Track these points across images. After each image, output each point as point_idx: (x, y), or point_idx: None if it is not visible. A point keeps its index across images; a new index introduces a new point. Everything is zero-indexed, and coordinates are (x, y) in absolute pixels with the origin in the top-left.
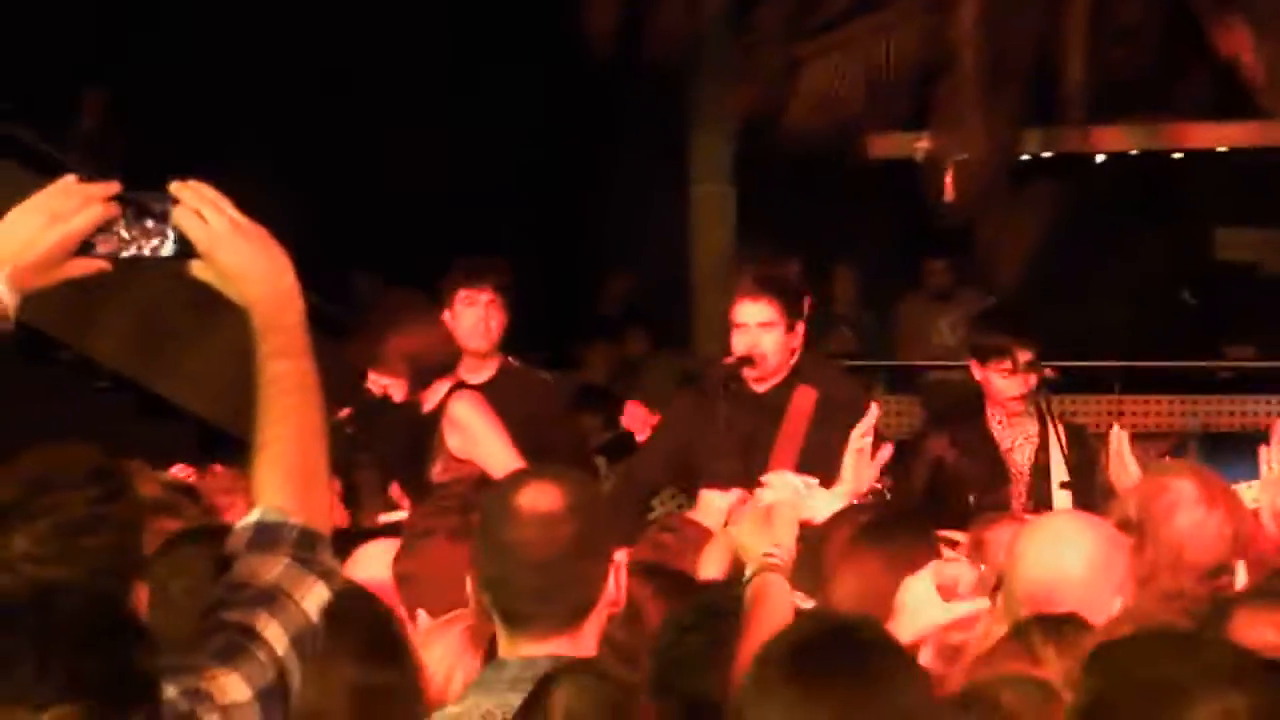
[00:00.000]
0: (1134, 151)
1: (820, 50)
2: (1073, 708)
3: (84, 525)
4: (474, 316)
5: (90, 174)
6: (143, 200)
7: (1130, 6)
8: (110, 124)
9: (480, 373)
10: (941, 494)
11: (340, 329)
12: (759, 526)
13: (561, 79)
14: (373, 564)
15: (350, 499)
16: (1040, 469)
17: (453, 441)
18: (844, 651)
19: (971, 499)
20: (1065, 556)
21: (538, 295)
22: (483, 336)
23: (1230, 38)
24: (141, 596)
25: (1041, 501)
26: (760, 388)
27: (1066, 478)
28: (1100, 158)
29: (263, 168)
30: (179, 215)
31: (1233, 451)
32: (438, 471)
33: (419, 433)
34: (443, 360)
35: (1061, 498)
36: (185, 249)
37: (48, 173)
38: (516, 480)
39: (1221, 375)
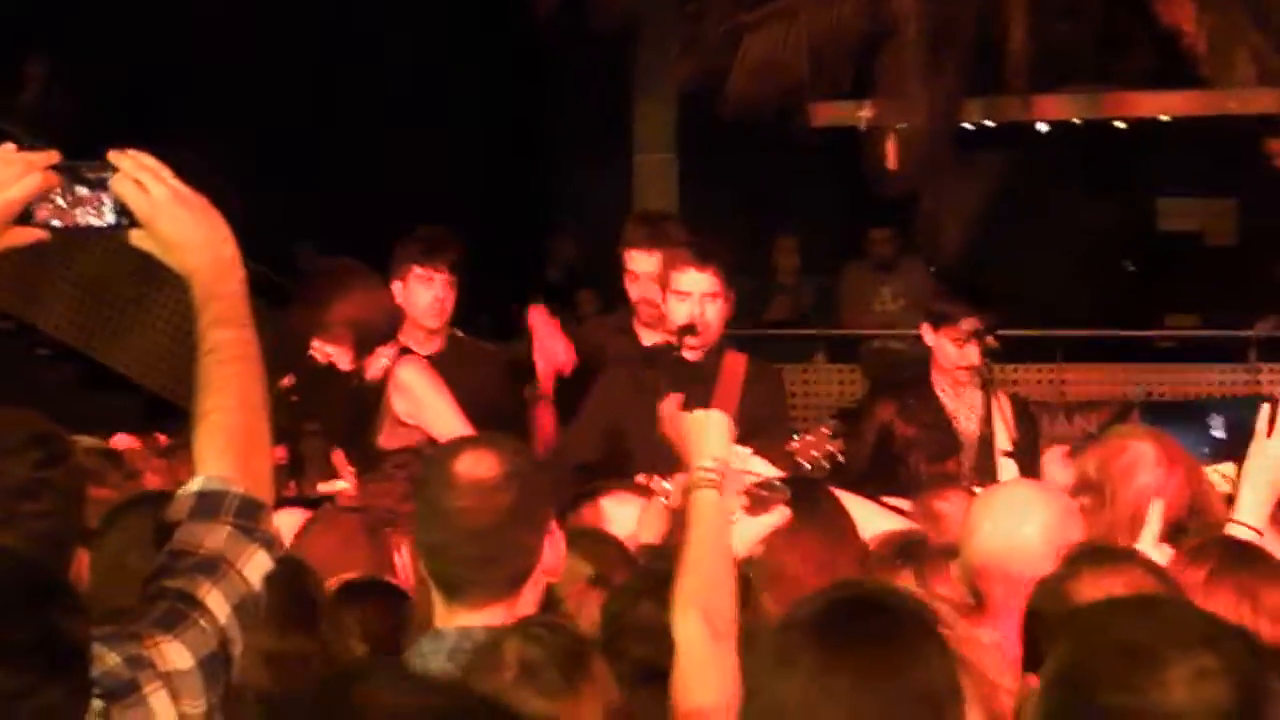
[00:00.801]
0: (1076, 121)
1: (763, 18)
2: (1048, 672)
3: (24, 490)
4: (429, 296)
5: (32, 143)
6: (81, 169)
7: None
8: (53, 92)
9: (428, 345)
10: (888, 462)
11: (283, 298)
12: (695, 439)
13: (505, 47)
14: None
15: (296, 467)
16: (985, 439)
17: (399, 406)
18: (868, 620)
19: (921, 468)
20: (1021, 525)
21: (482, 262)
22: (436, 316)
23: (1172, 7)
24: (83, 563)
25: (986, 472)
26: (692, 355)
27: (1009, 447)
28: (1043, 127)
29: (206, 137)
30: (117, 183)
31: (1175, 420)
32: (383, 438)
33: (363, 400)
34: (386, 327)
35: (1006, 466)
36: (124, 217)
37: None
38: (454, 448)
39: (1164, 344)
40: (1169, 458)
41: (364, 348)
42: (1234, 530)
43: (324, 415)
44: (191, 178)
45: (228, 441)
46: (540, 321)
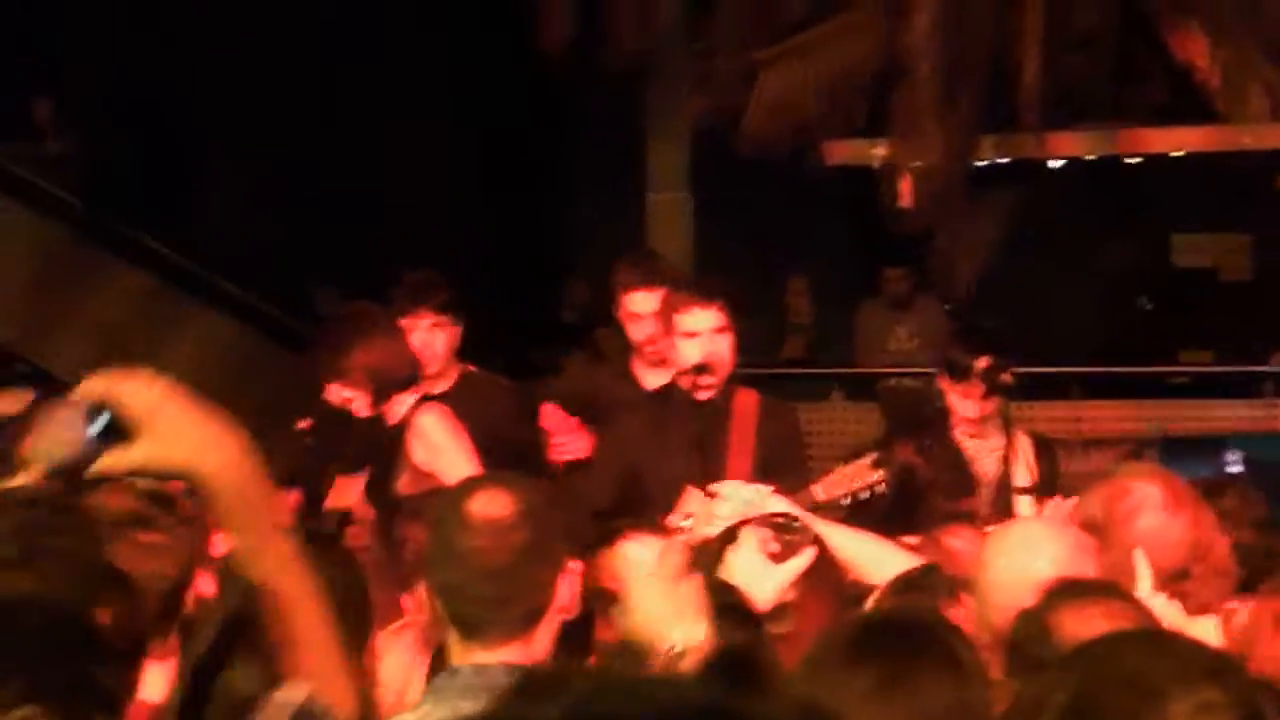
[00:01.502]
0: (1090, 157)
1: (776, 57)
2: (1055, 704)
3: (44, 527)
4: (417, 341)
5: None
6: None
7: (1086, 12)
8: (64, 137)
9: (439, 382)
10: (909, 502)
11: (300, 342)
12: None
13: (519, 88)
14: None
15: (313, 510)
16: (1005, 480)
17: (418, 454)
18: (889, 636)
19: (940, 507)
20: (1035, 562)
21: (496, 303)
22: (429, 360)
23: (1185, 43)
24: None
25: (1006, 512)
26: (703, 395)
27: (1027, 484)
28: (1057, 163)
29: (223, 183)
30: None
31: (1192, 456)
32: (403, 484)
33: (383, 446)
34: (404, 374)
35: (1024, 504)
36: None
37: (11, 193)
38: (468, 487)
39: (1179, 380)
40: (1175, 500)
41: (382, 394)
42: None
43: (342, 459)
44: (213, 224)
45: (318, 660)
46: (555, 421)
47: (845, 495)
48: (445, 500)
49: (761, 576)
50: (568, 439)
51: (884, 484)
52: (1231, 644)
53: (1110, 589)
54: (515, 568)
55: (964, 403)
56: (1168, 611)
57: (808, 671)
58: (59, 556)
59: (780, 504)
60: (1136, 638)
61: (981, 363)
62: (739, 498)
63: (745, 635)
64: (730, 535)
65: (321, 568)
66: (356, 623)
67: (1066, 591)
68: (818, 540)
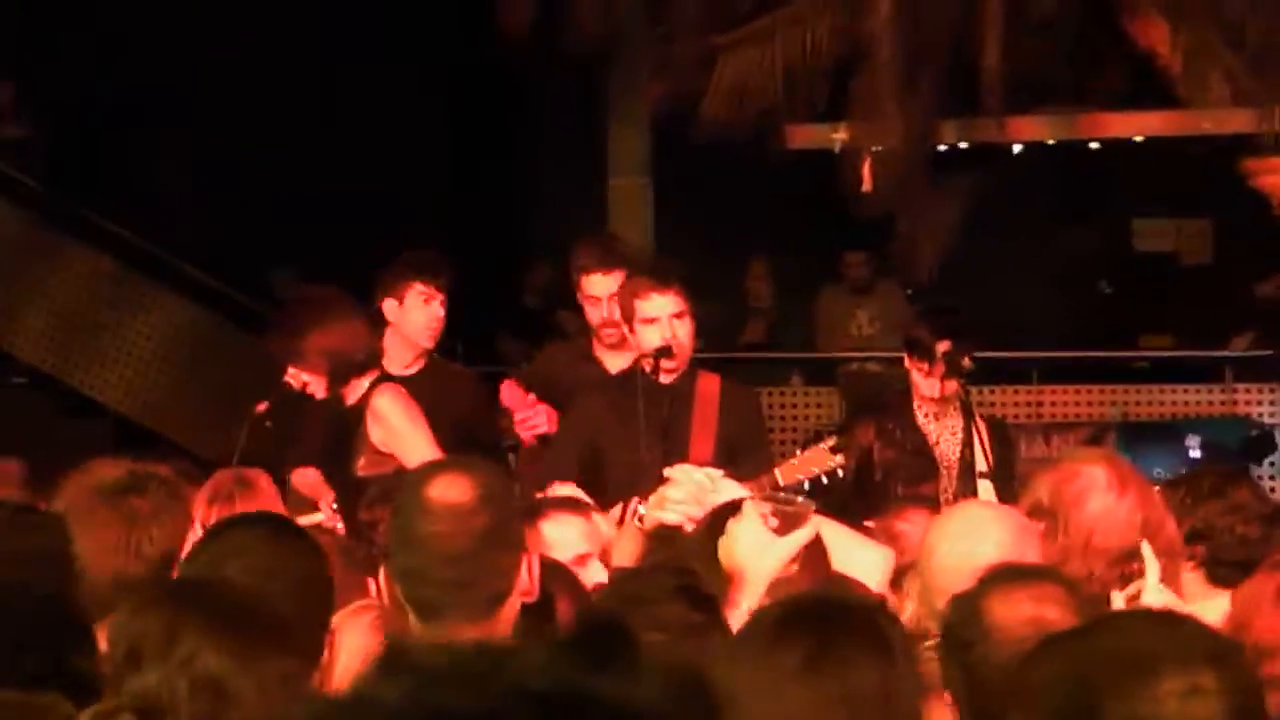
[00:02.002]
0: (1051, 142)
1: (736, 42)
2: (1053, 672)
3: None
4: (429, 315)
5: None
6: None
7: None
8: (23, 121)
9: (408, 366)
10: (869, 486)
11: (259, 325)
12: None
13: (478, 73)
14: None
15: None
16: (966, 463)
17: (375, 434)
18: (815, 619)
19: (899, 491)
20: (978, 546)
21: (458, 288)
22: (433, 335)
23: (1146, 28)
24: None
25: (966, 495)
26: (666, 378)
27: (986, 468)
28: (1017, 148)
29: (183, 166)
30: None
31: (1151, 441)
32: (361, 465)
33: (341, 428)
34: (362, 358)
35: (984, 487)
36: None
37: None
38: (428, 473)
39: (1139, 365)
40: (1120, 481)
41: (339, 377)
42: None
43: (302, 442)
44: (170, 206)
45: None
46: (514, 398)
47: (804, 479)
48: (405, 486)
49: (764, 549)
50: (530, 414)
51: (843, 468)
52: (1230, 617)
53: (1044, 574)
54: (476, 552)
55: (927, 382)
56: (1172, 602)
57: (734, 651)
58: (30, 551)
59: (732, 487)
60: (1147, 615)
61: (944, 344)
62: (691, 481)
63: (702, 618)
64: (734, 508)
65: (282, 553)
66: (317, 606)
67: (999, 576)
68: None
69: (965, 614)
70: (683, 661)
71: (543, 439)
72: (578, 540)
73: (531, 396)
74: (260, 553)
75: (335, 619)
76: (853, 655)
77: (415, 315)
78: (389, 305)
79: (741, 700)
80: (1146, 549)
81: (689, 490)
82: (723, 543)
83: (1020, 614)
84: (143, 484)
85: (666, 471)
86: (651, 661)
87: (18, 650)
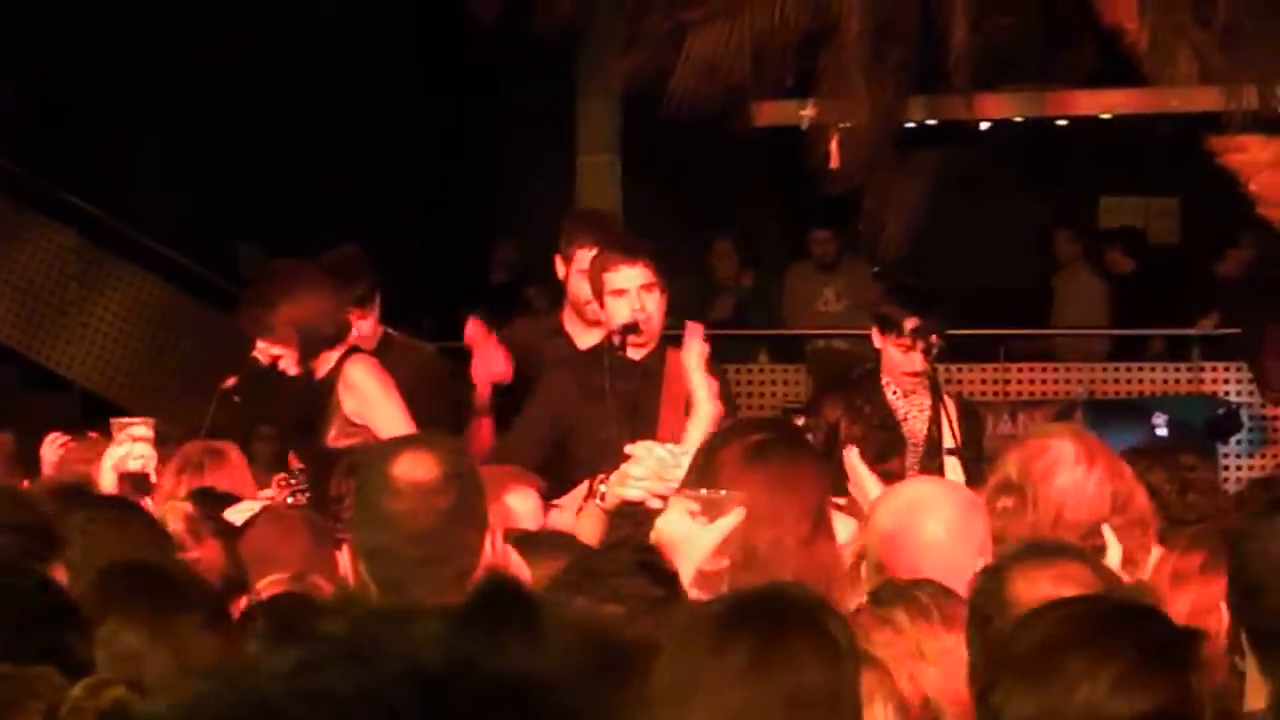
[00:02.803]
0: (1018, 119)
1: (705, 17)
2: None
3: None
4: (368, 325)
5: None
6: None
7: None
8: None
9: (364, 343)
10: (837, 462)
11: (226, 300)
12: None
13: (448, 49)
14: None
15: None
16: (933, 440)
17: (348, 405)
18: (761, 616)
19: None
20: (924, 522)
21: (425, 265)
22: (360, 342)
23: (1114, 5)
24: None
25: (934, 472)
26: (636, 354)
27: (953, 445)
28: (985, 125)
29: (148, 141)
30: None
31: (1119, 419)
32: (333, 436)
33: (312, 400)
34: (331, 330)
35: (951, 464)
36: None
37: None
38: (392, 450)
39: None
40: (1088, 455)
41: (309, 351)
42: None
43: (272, 416)
44: (137, 183)
45: None
46: (477, 335)
47: None
48: (370, 463)
49: (689, 540)
50: (489, 356)
51: (806, 432)
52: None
53: (1071, 553)
54: (441, 530)
55: (898, 356)
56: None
57: (676, 650)
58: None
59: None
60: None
61: (912, 319)
62: (653, 457)
63: (662, 592)
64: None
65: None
66: None
67: (1026, 553)
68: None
69: (989, 588)
70: (590, 623)
71: (500, 393)
72: (537, 511)
73: (494, 337)
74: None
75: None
76: (797, 654)
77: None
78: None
79: (685, 697)
80: (1108, 531)
81: (651, 467)
82: (652, 536)
83: (1039, 592)
84: None
85: (628, 449)
86: (556, 626)
87: (19, 631)
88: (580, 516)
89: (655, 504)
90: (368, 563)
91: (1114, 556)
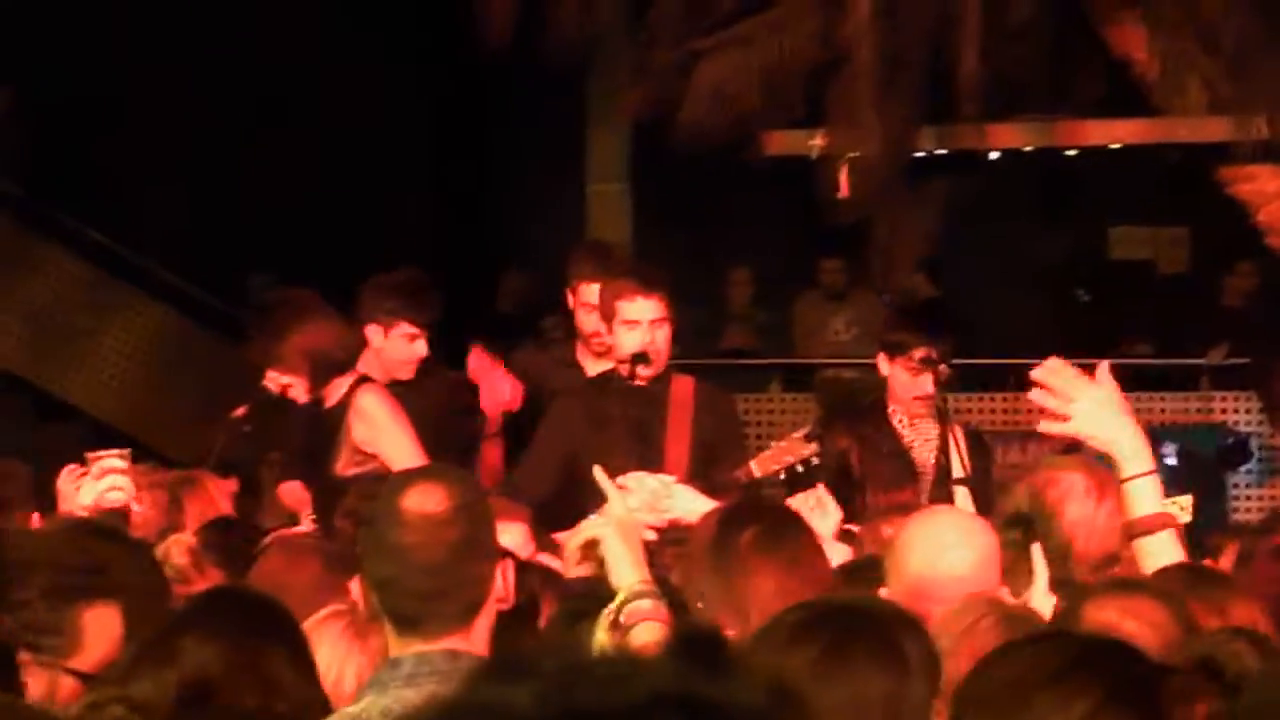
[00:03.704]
0: (1028, 149)
1: (715, 47)
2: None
3: None
4: (410, 353)
5: None
6: None
7: (1023, 4)
8: (12, 122)
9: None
10: (846, 491)
11: (237, 329)
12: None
13: (459, 78)
14: None
15: (252, 497)
16: (942, 469)
17: (358, 433)
18: (831, 624)
19: (879, 501)
20: (951, 554)
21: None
22: (410, 371)
23: (1123, 34)
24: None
25: (943, 501)
26: (640, 382)
27: (963, 474)
28: (994, 155)
29: (160, 170)
30: None
31: None
32: (342, 465)
33: (322, 428)
34: (342, 358)
35: (960, 494)
36: None
37: None
38: (402, 482)
39: (1116, 372)
40: (1099, 487)
41: (320, 379)
42: (1133, 487)
43: (282, 445)
44: (148, 211)
45: None
46: (482, 365)
47: (779, 470)
48: (380, 495)
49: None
50: (495, 383)
51: (817, 456)
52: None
53: (1144, 588)
54: (450, 563)
55: (905, 380)
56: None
57: (752, 648)
58: None
59: (687, 494)
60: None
61: (918, 339)
62: (644, 488)
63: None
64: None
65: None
66: None
67: (1106, 585)
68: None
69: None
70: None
71: (508, 422)
72: (525, 543)
73: (499, 363)
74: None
75: (307, 625)
76: (863, 661)
77: (397, 350)
78: (372, 330)
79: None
80: (1036, 551)
81: (642, 498)
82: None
83: (1105, 620)
84: None
85: (620, 479)
86: (747, 668)
87: None
88: (567, 549)
89: (649, 535)
90: (379, 593)
91: (1041, 582)
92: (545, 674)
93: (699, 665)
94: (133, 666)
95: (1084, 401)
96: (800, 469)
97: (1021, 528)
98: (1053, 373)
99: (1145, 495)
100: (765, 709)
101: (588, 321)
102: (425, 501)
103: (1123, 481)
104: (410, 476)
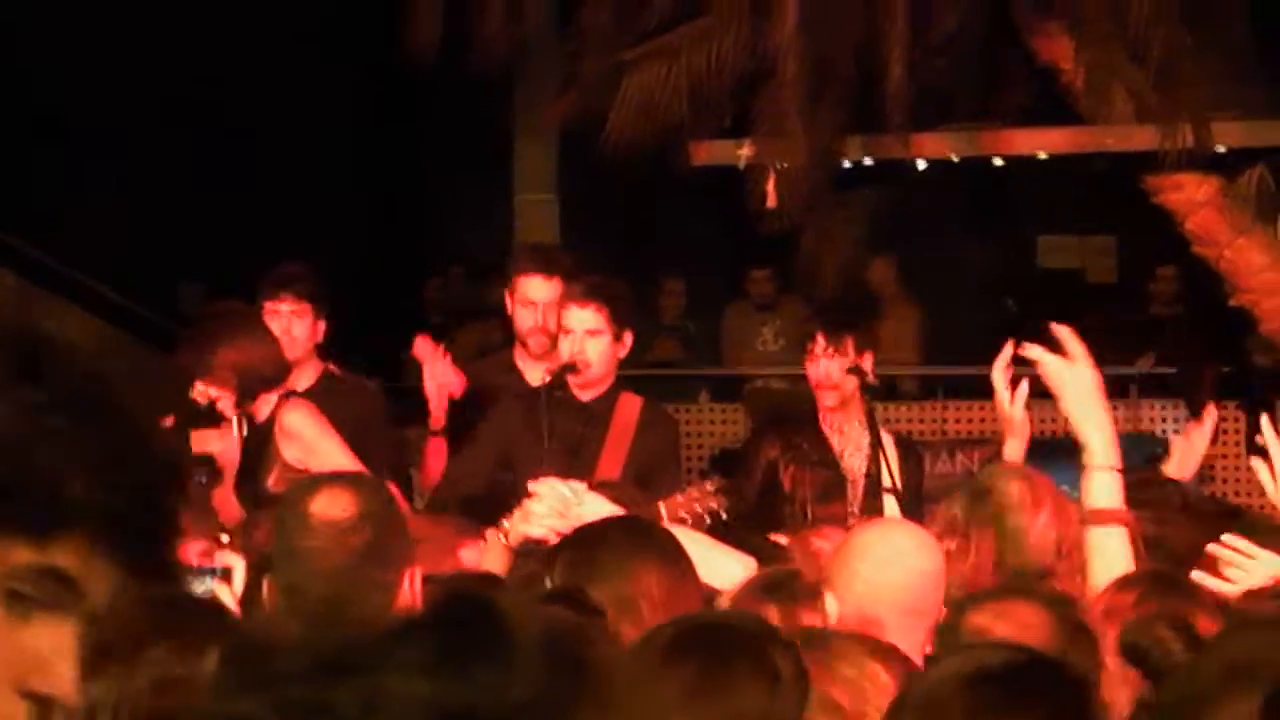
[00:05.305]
0: (955, 158)
1: (642, 57)
2: None
3: None
4: (277, 328)
5: None
6: None
7: (950, 14)
8: None
9: (300, 380)
10: (775, 499)
11: (167, 340)
12: None
13: (385, 88)
14: None
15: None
16: (872, 479)
17: (289, 452)
18: (703, 644)
19: (809, 511)
20: (901, 565)
21: (362, 305)
22: (288, 346)
23: (1049, 44)
24: None
25: (873, 510)
26: (585, 395)
27: (892, 484)
28: (922, 164)
29: (89, 180)
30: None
31: (1058, 456)
32: (273, 482)
33: (250, 442)
34: (270, 373)
35: (889, 504)
36: None
37: None
38: (310, 488)
39: (1045, 381)
40: (1034, 500)
41: (248, 393)
42: (1096, 477)
43: (209, 458)
44: (77, 221)
45: None
46: (426, 351)
47: (686, 519)
48: (288, 500)
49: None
50: (440, 369)
51: (723, 510)
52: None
53: (1022, 591)
54: (354, 569)
55: (819, 372)
56: None
57: (624, 675)
58: None
59: (597, 501)
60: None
61: (822, 330)
62: (555, 494)
63: (584, 619)
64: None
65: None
66: None
67: (982, 595)
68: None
69: (946, 632)
70: (555, 631)
71: (454, 421)
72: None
73: (442, 349)
74: None
75: None
76: (739, 681)
77: (274, 329)
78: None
79: None
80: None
81: (553, 504)
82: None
83: (989, 629)
84: None
85: (531, 485)
86: (524, 641)
87: None
88: (484, 553)
89: (556, 540)
90: (285, 598)
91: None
92: (275, 694)
93: (456, 659)
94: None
95: (1072, 384)
96: (708, 520)
97: (957, 538)
98: (1043, 354)
99: (1104, 489)
100: (535, 701)
101: (525, 317)
102: (331, 507)
103: (1086, 468)
104: (318, 482)
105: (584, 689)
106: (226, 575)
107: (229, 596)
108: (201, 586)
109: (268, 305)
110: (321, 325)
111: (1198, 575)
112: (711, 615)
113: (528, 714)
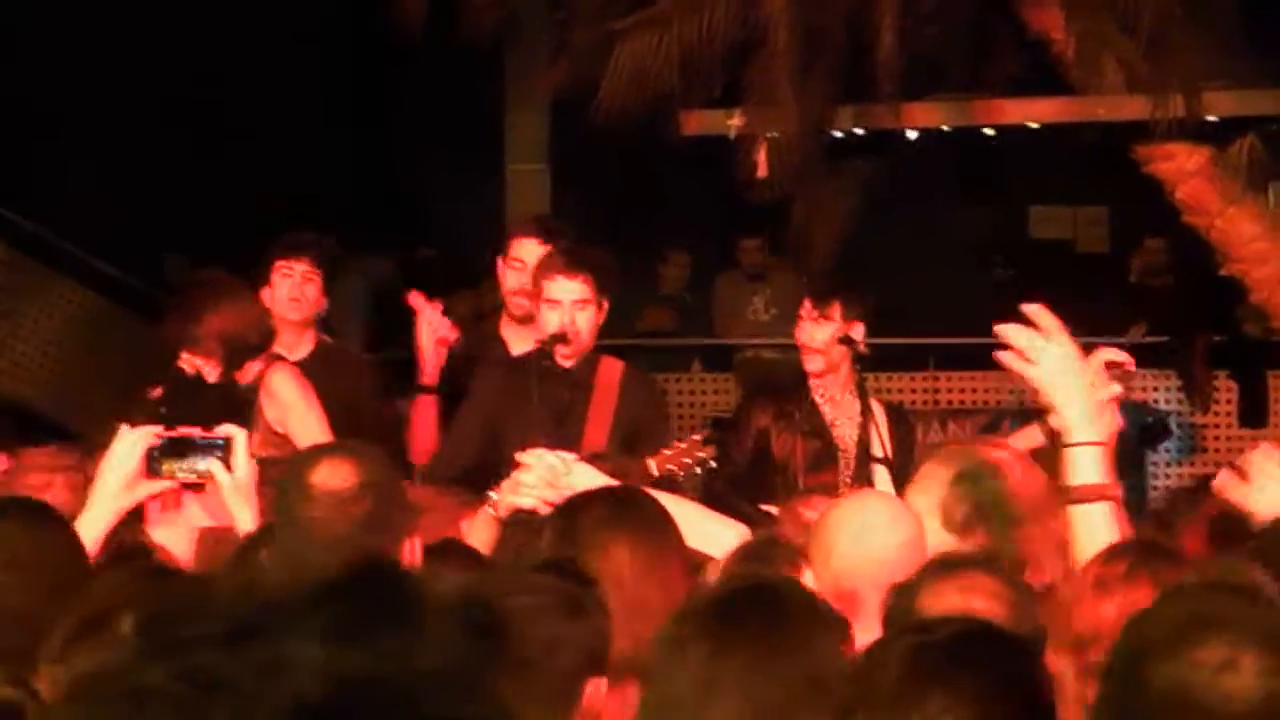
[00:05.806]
0: (946, 128)
1: (633, 27)
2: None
3: None
4: (288, 287)
5: None
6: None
7: None
8: None
9: (296, 349)
10: (766, 468)
11: (153, 309)
12: None
13: (374, 58)
14: None
15: None
16: (863, 449)
17: (270, 414)
18: (757, 607)
19: (800, 480)
20: (877, 537)
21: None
22: (296, 308)
23: (1040, 14)
24: None
25: (864, 479)
26: (566, 363)
27: (882, 454)
28: (913, 134)
29: (75, 150)
30: None
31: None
32: (256, 445)
33: (236, 408)
34: (256, 341)
35: (880, 473)
36: None
37: None
38: (312, 458)
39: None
40: (1023, 473)
41: (233, 361)
42: (1075, 453)
43: (196, 425)
44: (63, 192)
45: None
46: (420, 302)
47: (676, 471)
48: (290, 470)
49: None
50: (434, 318)
51: (713, 460)
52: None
53: (978, 564)
54: (355, 538)
55: (804, 335)
56: None
57: (670, 659)
58: None
59: (586, 471)
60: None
61: (835, 301)
62: (543, 464)
63: (576, 589)
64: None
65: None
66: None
67: (934, 567)
68: (662, 511)
69: (901, 604)
70: (464, 594)
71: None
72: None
73: (437, 302)
74: (20, 542)
75: None
76: (807, 636)
77: (278, 291)
78: (265, 293)
79: (704, 700)
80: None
81: (541, 474)
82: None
83: (947, 605)
84: None
85: (519, 455)
86: (437, 608)
87: None
88: (473, 524)
89: (546, 510)
90: (285, 568)
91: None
92: (187, 659)
93: (363, 625)
94: (65, 647)
95: (1046, 360)
96: (698, 470)
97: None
98: (1016, 332)
99: (1085, 464)
100: (431, 678)
101: (511, 278)
102: (333, 477)
103: (1064, 447)
104: (320, 452)
105: (498, 659)
106: (227, 447)
107: (224, 474)
108: (203, 464)
109: (280, 264)
110: (324, 297)
111: (1220, 482)
112: (755, 579)
113: (435, 682)
